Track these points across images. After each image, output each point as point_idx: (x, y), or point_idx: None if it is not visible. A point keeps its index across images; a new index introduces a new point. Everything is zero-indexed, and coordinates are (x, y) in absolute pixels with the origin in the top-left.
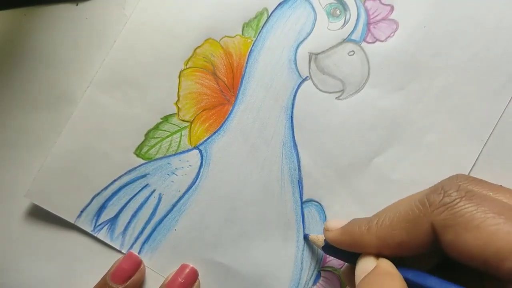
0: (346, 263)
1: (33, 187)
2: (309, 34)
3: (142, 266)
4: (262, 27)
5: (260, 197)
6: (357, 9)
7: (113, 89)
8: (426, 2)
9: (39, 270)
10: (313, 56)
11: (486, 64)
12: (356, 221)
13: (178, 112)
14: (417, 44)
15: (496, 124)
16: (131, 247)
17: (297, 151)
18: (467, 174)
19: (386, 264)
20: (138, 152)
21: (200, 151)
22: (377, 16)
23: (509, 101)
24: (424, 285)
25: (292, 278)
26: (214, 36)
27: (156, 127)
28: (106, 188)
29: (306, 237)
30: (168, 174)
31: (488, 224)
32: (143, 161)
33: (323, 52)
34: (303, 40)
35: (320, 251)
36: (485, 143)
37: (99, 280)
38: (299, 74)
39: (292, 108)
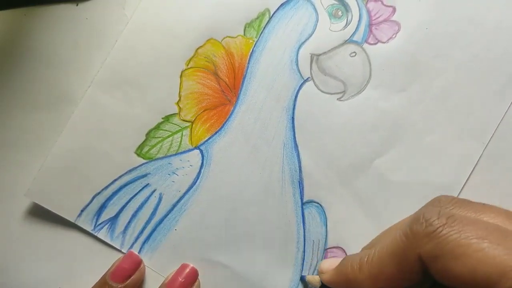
0: None
1: (34, 186)
2: (311, 35)
3: (142, 266)
4: (264, 28)
5: (260, 198)
6: (359, 10)
7: (114, 89)
8: (427, 4)
9: (39, 270)
10: (314, 57)
11: (487, 65)
12: (348, 260)
13: (179, 112)
14: (419, 46)
15: (498, 125)
16: (131, 246)
17: (298, 152)
18: (467, 175)
19: None
20: (139, 151)
21: (201, 151)
22: (379, 17)
23: (511, 102)
24: None
25: (292, 279)
26: (216, 36)
27: (157, 127)
28: (106, 187)
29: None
30: (169, 174)
31: (473, 250)
32: (143, 161)
33: (324, 53)
34: (305, 41)
35: (321, 251)
36: (487, 144)
37: (99, 279)
38: (301, 75)
39: (294, 109)
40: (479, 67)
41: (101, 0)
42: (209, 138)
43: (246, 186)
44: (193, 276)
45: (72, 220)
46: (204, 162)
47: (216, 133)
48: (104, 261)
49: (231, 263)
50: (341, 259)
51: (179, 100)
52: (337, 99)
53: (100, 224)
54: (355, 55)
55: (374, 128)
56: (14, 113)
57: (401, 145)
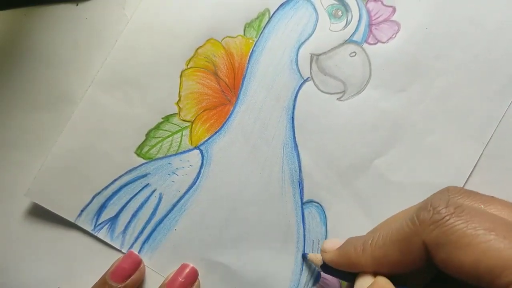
0: None
1: (34, 186)
2: (310, 35)
3: (142, 266)
4: (264, 28)
5: (260, 198)
6: (359, 10)
7: (114, 88)
8: (428, 4)
9: (39, 270)
10: (314, 57)
11: (487, 65)
12: (351, 241)
13: (179, 112)
14: (419, 46)
15: (497, 125)
16: (131, 246)
17: (298, 151)
18: (467, 175)
19: (382, 282)
20: (138, 151)
21: (201, 151)
22: (379, 17)
23: (511, 102)
24: None
25: (292, 279)
26: (216, 36)
27: (157, 127)
28: (106, 187)
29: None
30: (169, 174)
31: (479, 241)
32: (143, 161)
33: (324, 53)
34: (304, 41)
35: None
36: (486, 144)
37: (98, 279)
38: (301, 75)
39: (293, 108)
40: (479, 68)
41: (101, 0)
42: (209, 138)
43: (246, 186)
44: (193, 276)
45: (72, 220)
46: (204, 162)
47: (216, 133)
48: (104, 261)
49: (231, 263)
50: (345, 240)
51: (179, 100)
52: (337, 99)
53: (100, 224)
54: (355, 55)
55: (374, 128)
56: (14, 113)
57: (401, 145)
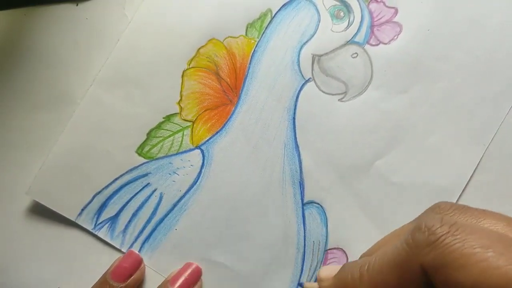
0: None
1: (35, 184)
2: (312, 35)
3: (142, 265)
4: (266, 28)
5: (261, 198)
6: (361, 11)
7: (116, 88)
8: (430, 5)
9: (39, 270)
10: (316, 58)
11: (489, 67)
12: (347, 268)
13: (181, 111)
14: (421, 47)
15: (498, 128)
16: (131, 246)
17: (299, 152)
18: (468, 177)
19: None
20: (139, 151)
21: (202, 151)
22: (381, 18)
23: None
24: None
25: (292, 279)
26: (218, 36)
27: (158, 126)
28: (107, 186)
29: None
30: (170, 174)
31: (477, 260)
32: (144, 160)
33: (326, 54)
34: (306, 42)
35: (321, 252)
36: (487, 147)
37: (99, 278)
38: (302, 76)
39: (295, 109)
40: (481, 69)
41: (101, 0)
42: (210, 138)
43: (247, 186)
44: (196, 275)
45: (72, 218)
46: (205, 162)
47: (217, 133)
48: (104, 261)
49: (231, 263)
50: (340, 266)
51: (181, 99)
52: (338, 100)
53: (100, 223)
54: (357, 56)
55: (375, 129)
56: (14, 113)
57: (402, 147)
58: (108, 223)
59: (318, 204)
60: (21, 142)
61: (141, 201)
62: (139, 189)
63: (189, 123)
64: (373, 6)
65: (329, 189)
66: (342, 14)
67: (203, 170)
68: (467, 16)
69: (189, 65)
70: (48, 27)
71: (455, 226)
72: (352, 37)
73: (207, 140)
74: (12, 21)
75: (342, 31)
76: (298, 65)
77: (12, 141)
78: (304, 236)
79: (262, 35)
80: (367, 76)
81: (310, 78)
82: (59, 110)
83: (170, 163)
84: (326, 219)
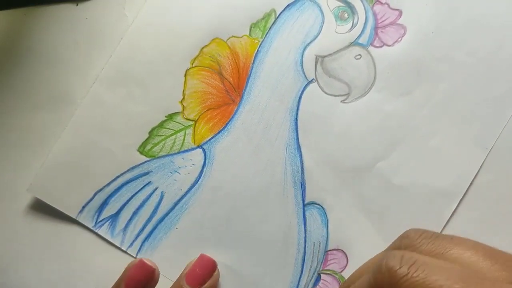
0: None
1: (36, 181)
2: (316, 36)
3: (156, 273)
4: (270, 28)
5: (262, 198)
6: (365, 13)
7: (118, 86)
8: (434, 8)
9: (39, 269)
10: (319, 59)
11: (492, 69)
12: None
13: (183, 110)
14: (424, 50)
15: (501, 131)
16: (132, 244)
17: (301, 153)
18: (470, 180)
19: None
20: (141, 149)
21: (204, 150)
22: (385, 20)
23: None
24: None
25: (292, 280)
26: (221, 36)
27: (161, 125)
28: (108, 184)
29: None
30: (171, 172)
31: None
32: (146, 159)
33: (329, 55)
34: (310, 42)
35: (321, 254)
36: (490, 149)
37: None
38: (305, 76)
39: (297, 110)
40: (483, 72)
41: (101, 0)
42: (212, 137)
43: (248, 186)
44: (212, 266)
45: (73, 216)
46: (207, 161)
47: (219, 132)
48: (105, 259)
49: (231, 262)
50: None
51: (183, 98)
52: (341, 101)
53: (101, 221)
54: (360, 57)
55: (377, 131)
56: (14, 113)
57: (404, 149)
58: (109, 221)
59: (319, 205)
60: (22, 141)
61: (142, 200)
62: (140, 187)
63: (191, 122)
64: (377, 8)
65: (331, 190)
66: (346, 15)
67: (204, 170)
68: (471, 18)
69: (192, 64)
70: (48, 27)
71: (415, 266)
72: (356, 39)
73: (209, 140)
74: (12, 21)
75: (346, 32)
76: (301, 65)
77: (13, 141)
78: (305, 236)
79: (265, 35)
80: (370, 78)
81: (313, 79)
82: (59, 110)
83: (171, 162)
84: (327, 220)
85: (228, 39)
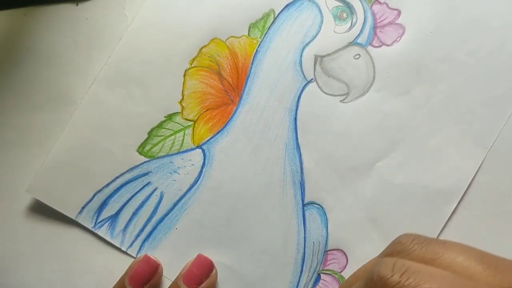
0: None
1: (35, 182)
2: (315, 36)
3: (160, 269)
4: (269, 28)
5: (261, 198)
6: (364, 12)
7: (118, 86)
8: (433, 8)
9: (39, 270)
10: (318, 59)
11: (492, 69)
12: None
13: (182, 111)
14: (423, 49)
15: (501, 130)
16: (131, 245)
17: (300, 153)
18: (470, 180)
19: None
20: (141, 150)
21: (203, 151)
22: (384, 20)
23: None
24: None
25: (292, 280)
26: (220, 36)
27: (160, 125)
28: (107, 185)
29: None
30: (170, 173)
31: None
32: (145, 159)
33: (328, 54)
34: (309, 42)
35: (321, 253)
36: (489, 149)
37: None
38: (304, 76)
39: (296, 110)
40: (483, 71)
41: (101, 0)
42: (211, 138)
43: (248, 186)
44: (209, 266)
45: (73, 217)
46: (206, 161)
47: (218, 132)
48: (105, 260)
49: (231, 262)
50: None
51: (182, 99)
52: (340, 101)
53: (100, 221)
54: (359, 57)
55: (376, 131)
56: (14, 113)
57: (403, 148)
58: (108, 221)
59: (319, 205)
60: (21, 141)
61: (141, 200)
62: (140, 188)
63: (190, 123)
64: (376, 7)
65: (330, 190)
66: (345, 15)
67: (204, 170)
68: (470, 18)
69: (191, 64)
70: (48, 27)
71: (407, 274)
72: (355, 39)
73: (208, 140)
74: (12, 21)
75: (345, 32)
76: (300, 65)
77: (12, 141)
78: (304, 236)
79: (264, 36)
80: (369, 78)
81: (312, 79)
82: (59, 110)
83: (171, 162)
84: (327, 220)
85: (227, 39)
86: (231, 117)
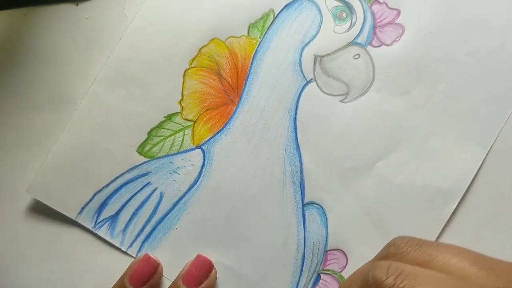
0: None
1: (35, 182)
2: (314, 36)
3: (159, 269)
4: (268, 28)
5: (261, 198)
6: (364, 12)
7: (117, 86)
8: (432, 7)
9: (39, 270)
10: (318, 58)
11: (492, 69)
12: None
13: (182, 111)
14: (423, 49)
15: (500, 130)
16: (131, 245)
17: (300, 153)
18: (470, 180)
19: None
20: (140, 150)
21: (203, 151)
22: (383, 20)
23: None
24: None
25: (291, 280)
26: (220, 36)
27: (159, 126)
28: (107, 185)
29: None
30: (170, 173)
31: None
32: (145, 159)
33: (328, 54)
34: (308, 42)
35: (321, 253)
36: (489, 148)
37: (116, 283)
38: (304, 76)
39: (296, 110)
40: (483, 71)
41: (101, 0)
42: (211, 138)
43: (247, 186)
44: (208, 267)
45: (72, 217)
46: (206, 161)
47: (218, 132)
48: (104, 260)
49: (230, 262)
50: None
51: (182, 99)
52: (340, 101)
53: (100, 221)
54: (359, 57)
55: (376, 131)
56: (14, 113)
57: (403, 148)
58: (108, 221)
59: (319, 205)
60: (21, 141)
61: (141, 200)
62: (140, 188)
63: (190, 123)
64: (375, 7)
65: (330, 190)
66: (344, 15)
67: (203, 170)
68: (470, 17)
69: (191, 64)
70: (48, 27)
71: (401, 277)
72: (354, 38)
73: (208, 140)
74: (12, 21)
75: (344, 32)
76: (300, 65)
77: (12, 141)
78: (304, 236)
79: (264, 35)
80: (368, 78)
81: (311, 78)
82: (59, 110)
83: (170, 162)
84: (326, 220)
85: (226, 39)
86: (231, 117)
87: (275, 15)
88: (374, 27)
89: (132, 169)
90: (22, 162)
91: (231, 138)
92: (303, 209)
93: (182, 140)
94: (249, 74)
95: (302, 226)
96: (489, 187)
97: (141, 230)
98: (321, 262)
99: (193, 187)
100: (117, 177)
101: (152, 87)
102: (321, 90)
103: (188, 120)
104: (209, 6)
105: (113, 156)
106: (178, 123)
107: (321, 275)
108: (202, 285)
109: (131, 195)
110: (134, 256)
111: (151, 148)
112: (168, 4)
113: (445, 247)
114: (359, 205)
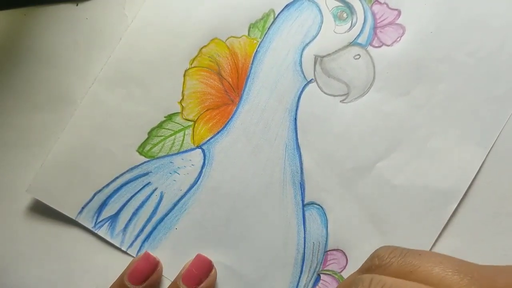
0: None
1: (35, 182)
2: (315, 36)
3: (159, 267)
4: (269, 29)
5: (261, 198)
6: (364, 12)
7: (118, 86)
8: (433, 8)
9: (39, 270)
10: (318, 59)
11: (492, 69)
12: None
13: (182, 111)
14: (423, 49)
15: (501, 131)
16: (131, 245)
17: (300, 153)
18: (470, 180)
19: None
20: (141, 150)
21: (203, 151)
22: (384, 20)
23: None
24: None
25: (291, 280)
26: (220, 36)
27: (160, 126)
28: (107, 185)
29: None
30: (170, 173)
31: None
32: (145, 159)
33: (328, 55)
34: (309, 42)
35: (321, 254)
36: (490, 149)
37: (115, 280)
38: (304, 76)
39: (296, 110)
40: (483, 71)
41: (101, 0)
42: (211, 138)
43: (247, 186)
44: (208, 266)
45: (73, 217)
46: (206, 161)
47: (218, 132)
48: (104, 260)
49: (230, 262)
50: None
51: (182, 99)
52: (340, 101)
53: (100, 221)
54: (359, 57)
55: (376, 131)
56: (14, 113)
57: (403, 149)
58: (108, 221)
59: (319, 205)
60: (21, 141)
61: (141, 200)
62: (140, 188)
63: (190, 123)
64: (376, 7)
65: (330, 190)
66: (345, 15)
67: (204, 170)
68: (470, 18)
69: (191, 64)
70: (48, 27)
71: None
72: (355, 39)
73: (208, 140)
74: (12, 21)
75: (345, 32)
76: (300, 66)
77: (12, 141)
78: (304, 237)
79: (264, 36)
80: (369, 78)
81: (312, 79)
82: (59, 110)
83: (171, 162)
84: (327, 220)
85: (227, 39)
86: (231, 117)
87: (276, 15)
88: (374, 28)
89: (132, 169)
90: (22, 162)
91: (231, 138)
92: (303, 209)
93: (183, 140)
94: (249, 74)
95: (302, 226)
96: (489, 187)
97: (141, 230)
98: (321, 262)
99: (193, 187)
100: (117, 177)
101: (152, 87)
102: (322, 91)
103: (189, 120)
104: (209, 6)
105: (113, 156)
106: (178, 123)
107: (321, 275)
108: (202, 284)
109: (131, 195)
110: (134, 256)
111: (151, 148)
112: (168, 4)
113: (428, 256)
114: (359, 205)
